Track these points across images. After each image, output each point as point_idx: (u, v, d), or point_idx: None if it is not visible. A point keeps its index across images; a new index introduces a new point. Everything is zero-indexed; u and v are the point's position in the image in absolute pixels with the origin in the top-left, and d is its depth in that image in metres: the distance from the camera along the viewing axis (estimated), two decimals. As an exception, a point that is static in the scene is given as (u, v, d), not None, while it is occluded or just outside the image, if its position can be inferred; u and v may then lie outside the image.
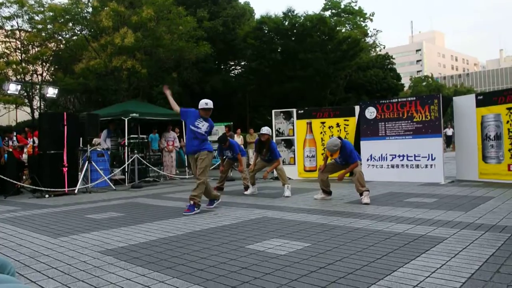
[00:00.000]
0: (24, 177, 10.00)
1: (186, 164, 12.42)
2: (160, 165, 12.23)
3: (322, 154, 10.21)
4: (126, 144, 11.35)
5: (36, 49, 19.12)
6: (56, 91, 10.49)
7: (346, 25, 26.75)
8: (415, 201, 6.10)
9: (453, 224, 4.34)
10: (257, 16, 26.32)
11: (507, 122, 8.16)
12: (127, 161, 10.98)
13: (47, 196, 8.52)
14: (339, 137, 6.59)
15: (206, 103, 5.94)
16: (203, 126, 5.91)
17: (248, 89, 25.53)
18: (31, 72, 19.57)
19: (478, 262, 2.96)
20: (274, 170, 8.04)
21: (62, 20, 16.63)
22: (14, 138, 9.82)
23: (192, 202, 5.76)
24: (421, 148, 9.05)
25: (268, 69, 23.40)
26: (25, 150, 10.59)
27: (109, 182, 10.03)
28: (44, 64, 20.04)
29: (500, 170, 8.26)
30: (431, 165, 8.92)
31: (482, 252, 3.23)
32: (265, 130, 7.83)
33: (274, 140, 10.47)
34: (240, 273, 2.93)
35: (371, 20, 29.27)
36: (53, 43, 19.04)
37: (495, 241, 3.55)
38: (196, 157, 5.90)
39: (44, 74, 20.57)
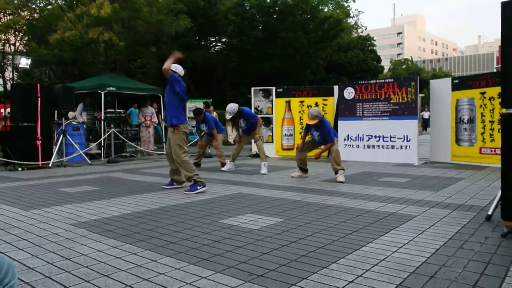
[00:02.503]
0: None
1: (164, 140, 12.33)
2: (137, 140, 12.10)
3: (300, 133, 10.27)
4: (102, 118, 11.15)
5: (8, 17, 18.37)
6: (29, 61, 10.20)
7: (329, 4, 26.53)
8: (388, 181, 6.24)
9: (423, 203, 4.47)
10: (239, -9, 25.86)
11: (480, 106, 8.34)
12: (104, 135, 10.82)
13: (20, 169, 8.35)
14: None
15: None
16: (167, 87, 5.43)
17: (228, 66, 25.28)
18: (3, 41, 18.88)
19: (443, 239, 3.07)
20: (253, 146, 8.09)
21: (36, -13, 16.01)
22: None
23: (192, 181, 5.34)
24: (397, 129, 9.20)
25: (249, 47, 23.16)
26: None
27: (85, 156, 9.88)
28: (17, 33, 19.33)
29: (472, 152, 8.48)
30: (406, 146, 9.09)
31: (448, 229, 3.35)
32: (229, 108, 7.71)
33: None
34: (212, 246, 2.96)
35: (354, 0, 29.22)
36: (27, 12, 18.30)
37: (462, 219, 3.67)
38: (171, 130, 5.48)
39: (17, 44, 19.87)
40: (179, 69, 5.59)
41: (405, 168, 7.96)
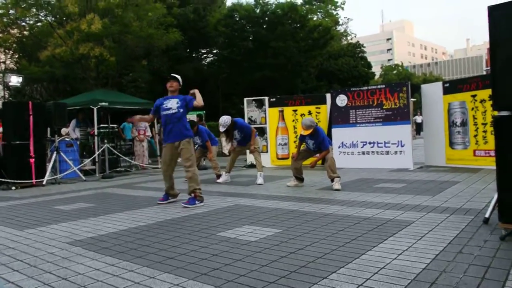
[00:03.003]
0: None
1: (158, 154, 12.28)
2: (131, 154, 12.04)
3: (295, 142, 10.28)
4: (96, 133, 11.10)
5: (-2, 35, 18.35)
6: (20, 79, 10.14)
7: (318, 13, 26.77)
8: (385, 187, 6.24)
9: (420, 208, 4.47)
10: (229, 3, 26.09)
11: (472, 109, 8.41)
12: (97, 151, 10.75)
13: (13, 188, 8.26)
14: None
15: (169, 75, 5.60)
16: (171, 103, 5.38)
17: (220, 77, 25.34)
18: (-7, 59, 18.84)
19: (442, 244, 3.06)
20: (248, 156, 8.06)
21: (25, 5, 15.96)
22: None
23: (192, 195, 5.30)
24: (391, 135, 9.24)
25: (239, 57, 23.26)
26: None
27: (79, 172, 9.81)
28: (7, 51, 19.30)
29: (466, 155, 8.53)
30: (401, 151, 9.12)
31: (447, 234, 3.34)
32: (222, 120, 7.66)
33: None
34: (210, 260, 2.93)
35: (342, 8, 29.42)
36: (16, 30, 18.28)
37: (459, 223, 3.67)
38: (177, 145, 5.36)
39: (8, 62, 19.82)
40: (180, 80, 5.67)
41: (401, 173, 7.97)
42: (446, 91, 8.96)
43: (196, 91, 5.54)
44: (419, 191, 5.68)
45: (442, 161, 8.98)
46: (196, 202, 5.27)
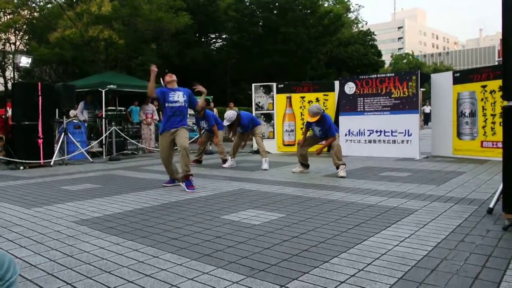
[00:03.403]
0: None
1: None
2: (138, 137, 12.11)
3: (302, 128, 10.26)
4: (103, 116, 11.16)
5: (8, 16, 18.40)
6: (29, 60, 10.20)
7: (329, -1, 26.51)
8: (390, 175, 6.23)
9: (425, 197, 4.46)
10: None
11: (481, 99, 8.32)
12: (105, 133, 10.82)
13: (21, 168, 8.36)
14: None
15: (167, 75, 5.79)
16: (178, 96, 5.51)
17: (228, 63, 25.27)
18: (3, 41, 18.89)
19: (445, 232, 3.07)
20: (254, 142, 8.10)
21: (36, -14, 16.00)
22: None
23: (184, 180, 5.37)
24: (398, 124, 9.18)
25: (249, 43, 23.15)
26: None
27: (86, 154, 9.89)
28: (17, 32, 19.37)
29: (473, 146, 8.47)
30: (407, 140, 9.08)
31: (450, 223, 3.34)
32: (228, 115, 7.73)
33: (254, 114, 10.49)
34: (213, 241, 2.96)
35: (354, -5, 29.06)
36: (27, 11, 18.32)
37: (463, 213, 3.67)
38: (173, 131, 5.46)
39: (18, 43, 19.89)
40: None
41: (407, 163, 7.95)
42: (456, 81, 8.86)
43: (203, 90, 5.91)
44: (424, 180, 5.67)
45: (449, 152, 8.93)
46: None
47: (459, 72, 9.23)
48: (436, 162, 7.91)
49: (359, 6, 41.95)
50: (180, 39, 21.84)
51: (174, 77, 5.71)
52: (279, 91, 11.03)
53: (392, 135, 9.29)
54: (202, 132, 8.70)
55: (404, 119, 9.11)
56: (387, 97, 9.39)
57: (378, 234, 3.07)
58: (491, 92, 8.13)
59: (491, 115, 8.14)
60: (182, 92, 5.59)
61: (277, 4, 22.73)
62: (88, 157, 9.80)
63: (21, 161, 8.37)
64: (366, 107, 9.69)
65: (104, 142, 10.88)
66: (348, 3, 28.82)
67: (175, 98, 5.51)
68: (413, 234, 3.04)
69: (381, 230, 3.18)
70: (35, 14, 18.79)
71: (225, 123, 7.77)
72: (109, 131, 10.59)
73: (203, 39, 26.46)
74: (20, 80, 20.27)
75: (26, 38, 20.33)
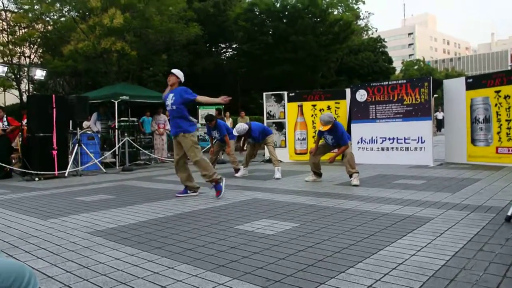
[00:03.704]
0: (13, 160, 9.89)
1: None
2: (151, 148, 12.19)
3: (313, 137, 10.23)
4: (116, 127, 11.27)
5: (23, 30, 18.78)
6: (44, 73, 10.35)
7: (338, 7, 26.49)
8: (404, 183, 6.17)
9: (440, 205, 4.41)
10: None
11: (495, 105, 8.22)
12: (118, 144, 10.92)
13: (36, 179, 8.47)
14: None
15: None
16: (169, 99, 5.45)
17: (239, 72, 25.37)
18: (18, 54, 19.25)
19: (462, 241, 3.02)
20: (266, 151, 8.15)
21: (49, 0, 16.28)
22: (5, 119, 9.66)
23: (213, 184, 5.42)
24: (411, 131, 9.11)
25: (259, 52, 23.21)
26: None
27: (100, 165, 9.98)
28: (31, 46, 19.72)
29: (488, 152, 8.36)
30: (421, 147, 9.00)
31: (467, 231, 3.29)
32: (239, 128, 7.81)
33: (265, 123, 10.51)
34: (228, 252, 2.96)
35: (364, 2, 29.12)
36: (41, 25, 18.68)
37: (480, 221, 3.61)
38: (176, 138, 5.52)
39: (32, 56, 20.24)
40: (181, 74, 5.66)
41: (421, 170, 7.87)
42: (469, 87, 8.78)
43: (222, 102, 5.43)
44: (439, 188, 5.60)
45: (463, 158, 8.82)
46: (221, 184, 5.42)
47: (472, 78, 9.15)
48: (451, 169, 7.82)
49: (369, 13, 41.83)
50: (191, 49, 22.03)
51: (169, 78, 5.59)
52: (290, 99, 11.04)
53: (405, 142, 9.22)
54: (214, 141, 8.73)
55: (417, 126, 9.04)
56: (399, 104, 9.33)
57: (394, 243, 3.04)
58: (505, 97, 8.04)
59: (506, 120, 8.04)
60: (173, 94, 5.47)
61: (286, 13, 22.79)
62: (102, 167, 9.88)
63: (36, 172, 8.47)
64: (378, 115, 9.64)
65: (117, 153, 10.98)
66: (357, 10, 28.80)
67: (168, 101, 5.51)
68: (430, 243, 2.99)
69: (397, 239, 3.14)
70: (49, 27, 19.13)
71: (235, 133, 7.87)
72: (122, 141, 10.69)
73: (213, 49, 26.65)
74: (34, 92, 20.60)
75: (41, 51, 20.69)
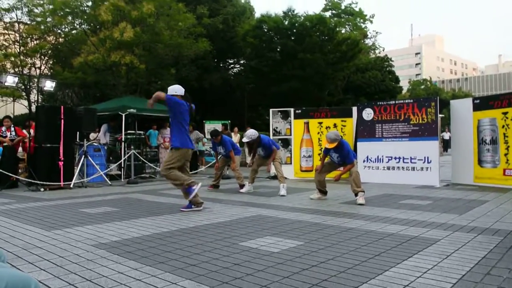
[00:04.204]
0: (19, 170, 9.94)
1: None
2: (157, 161, 12.22)
3: (319, 154, 10.21)
4: (123, 139, 11.33)
5: (35, 42, 19.09)
6: (53, 84, 10.48)
7: (346, 26, 26.78)
8: (410, 203, 6.12)
9: (447, 226, 4.36)
10: (257, 14, 26.36)
11: (503, 126, 8.19)
12: (124, 156, 10.96)
13: (42, 189, 8.50)
14: None
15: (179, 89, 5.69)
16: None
17: (246, 88, 25.53)
18: (29, 65, 19.52)
19: (469, 264, 2.98)
20: (272, 167, 8.12)
21: (62, 13, 16.57)
22: (12, 129, 9.74)
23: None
24: (417, 150, 9.07)
25: (267, 68, 23.38)
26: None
27: (105, 177, 10.01)
28: (42, 57, 20.00)
29: (495, 174, 8.29)
30: (427, 168, 8.94)
31: (474, 254, 3.25)
32: (249, 132, 7.83)
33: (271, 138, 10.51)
34: (232, 269, 2.93)
35: (371, 22, 29.42)
36: (52, 37, 19.00)
37: (488, 244, 3.56)
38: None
39: (43, 67, 20.52)
40: (177, 89, 5.69)
41: (427, 190, 7.81)
42: (476, 108, 8.76)
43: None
44: (446, 209, 5.55)
45: (469, 179, 8.75)
46: (193, 206, 5.60)
47: (479, 99, 9.14)
48: (457, 190, 7.76)
49: (376, 32, 42.16)
50: (199, 64, 22.25)
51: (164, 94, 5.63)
52: (296, 116, 11.06)
53: (411, 162, 9.17)
54: (219, 157, 8.73)
55: (424, 146, 9.00)
56: (406, 124, 9.32)
57: (400, 264, 3.00)
58: (513, 120, 8.00)
59: (514, 142, 7.99)
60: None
61: (295, 30, 23.02)
62: (107, 180, 9.91)
63: (42, 182, 8.50)
64: (384, 133, 9.62)
65: (122, 165, 11.01)
66: (365, 29, 29.07)
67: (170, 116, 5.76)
68: (436, 265, 2.96)
69: (403, 260, 3.10)
70: (60, 40, 19.44)
71: (245, 139, 7.78)
72: (128, 154, 10.73)
73: (221, 64, 26.89)
74: (43, 103, 20.82)
75: (51, 62, 20.99)
